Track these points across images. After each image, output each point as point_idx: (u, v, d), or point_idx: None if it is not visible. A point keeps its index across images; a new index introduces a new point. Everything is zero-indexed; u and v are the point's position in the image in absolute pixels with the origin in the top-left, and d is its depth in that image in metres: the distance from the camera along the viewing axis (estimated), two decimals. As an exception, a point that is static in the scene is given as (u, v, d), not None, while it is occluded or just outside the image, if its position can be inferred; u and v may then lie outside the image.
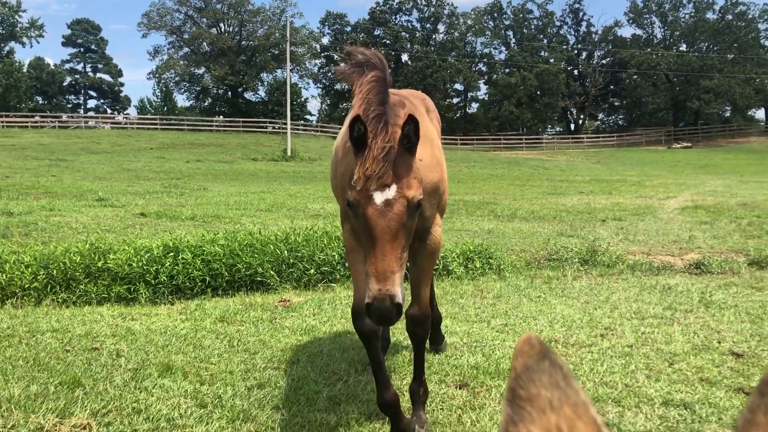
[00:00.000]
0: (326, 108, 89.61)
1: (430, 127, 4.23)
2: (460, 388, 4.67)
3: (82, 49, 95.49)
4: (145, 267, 7.67)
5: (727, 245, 10.88)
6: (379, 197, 3.12)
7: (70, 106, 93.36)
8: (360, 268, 3.75)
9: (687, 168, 44.15)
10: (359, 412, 4.24)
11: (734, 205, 17.26)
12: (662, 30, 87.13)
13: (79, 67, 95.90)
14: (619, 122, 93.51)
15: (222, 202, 17.18)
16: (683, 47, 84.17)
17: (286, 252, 8.28)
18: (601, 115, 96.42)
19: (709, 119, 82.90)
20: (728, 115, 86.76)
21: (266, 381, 4.73)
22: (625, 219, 14.86)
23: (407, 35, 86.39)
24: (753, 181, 28.77)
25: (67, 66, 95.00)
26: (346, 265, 8.27)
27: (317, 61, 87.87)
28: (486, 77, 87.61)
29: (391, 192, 3.13)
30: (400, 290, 3.05)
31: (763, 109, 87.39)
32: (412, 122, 3.17)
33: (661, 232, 12.64)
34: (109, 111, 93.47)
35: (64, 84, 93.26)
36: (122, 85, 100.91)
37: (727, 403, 4.29)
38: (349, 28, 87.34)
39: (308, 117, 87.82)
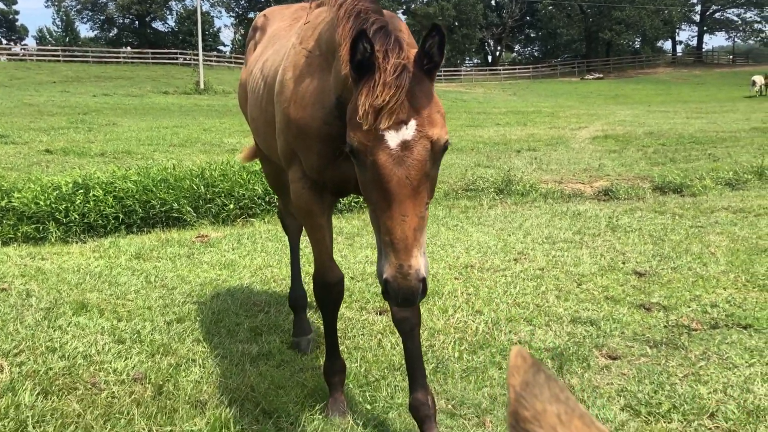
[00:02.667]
0: (240, 38, 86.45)
1: None
2: (380, 314, 4.78)
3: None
4: (53, 205, 7.37)
5: (634, 172, 11.38)
6: (394, 139, 2.35)
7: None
8: (321, 226, 3.18)
9: (599, 99, 45.46)
10: (281, 342, 4.29)
11: (642, 134, 17.96)
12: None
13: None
14: (535, 54, 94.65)
15: (133, 137, 16.56)
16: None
17: (203, 188, 8.11)
18: (517, 47, 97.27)
19: (620, 50, 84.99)
20: (638, 46, 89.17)
21: (186, 315, 4.70)
22: (539, 149, 15.26)
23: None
24: (659, 111, 29.94)
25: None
26: (267, 199, 8.19)
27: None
28: (404, 7, 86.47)
29: (409, 131, 2.36)
30: (424, 261, 2.39)
31: (670, 40, 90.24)
32: (438, 33, 2.35)
33: (573, 161, 13.06)
34: (4, 41, 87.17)
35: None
36: (17, 13, 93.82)
37: (629, 318, 4.58)
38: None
39: (221, 48, 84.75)
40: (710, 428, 3.12)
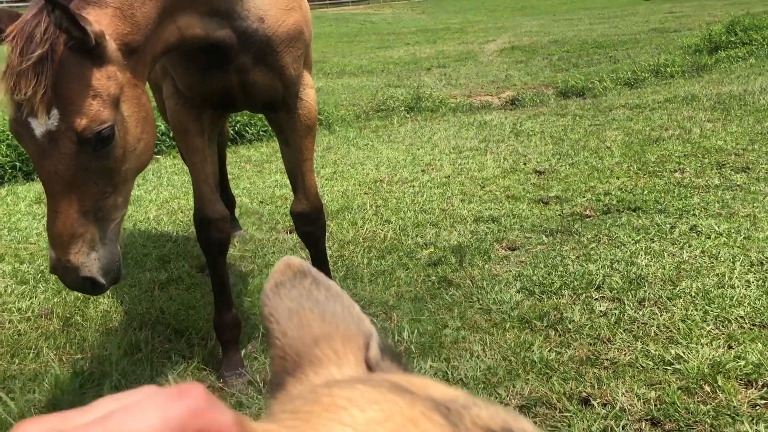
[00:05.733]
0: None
1: None
2: (289, 233, 4.84)
3: None
4: (-58, 159, 7.00)
5: (539, 80, 11.62)
6: (38, 128, 2.09)
7: None
8: (197, 148, 2.86)
9: (506, 11, 45.53)
10: (190, 266, 4.31)
11: (547, 42, 18.22)
12: None
13: None
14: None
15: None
16: None
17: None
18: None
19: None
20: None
21: (92, 252, 4.63)
22: (449, 65, 15.33)
23: None
24: (564, 19, 30.31)
25: None
26: (170, 135, 8.00)
27: None
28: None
29: (52, 121, 2.08)
30: (93, 257, 2.17)
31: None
32: (59, 8, 1.96)
33: (481, 74, 13.21)
34: None
35: None
36: None
37: (528, 212, 4.79)
38: None
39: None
40: (596, 298, 3.37)
